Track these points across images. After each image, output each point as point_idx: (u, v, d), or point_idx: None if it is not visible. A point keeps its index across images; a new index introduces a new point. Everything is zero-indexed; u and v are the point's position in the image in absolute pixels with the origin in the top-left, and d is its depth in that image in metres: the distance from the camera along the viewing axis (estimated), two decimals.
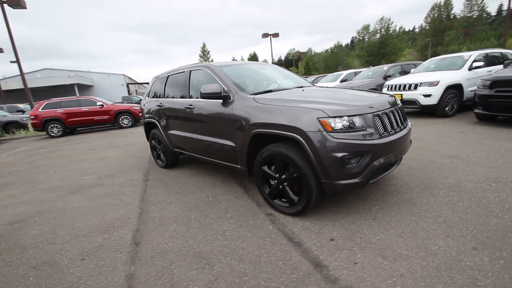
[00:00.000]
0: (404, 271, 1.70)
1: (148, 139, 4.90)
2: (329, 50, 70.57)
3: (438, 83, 6.29)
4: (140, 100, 23.60)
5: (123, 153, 6.19)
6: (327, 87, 3.48)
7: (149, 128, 4.72)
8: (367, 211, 2.49)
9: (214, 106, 3.08)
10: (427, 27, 48.40)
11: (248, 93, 2.85)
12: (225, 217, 2.64)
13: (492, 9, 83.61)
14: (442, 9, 44.51)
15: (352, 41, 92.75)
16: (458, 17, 44.06)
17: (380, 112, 2.27)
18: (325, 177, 2.16)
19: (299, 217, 2.47)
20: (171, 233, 2.44)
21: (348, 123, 2.12)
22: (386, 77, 9.28)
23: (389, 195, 2.75)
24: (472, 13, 41.43)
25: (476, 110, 5.45)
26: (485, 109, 5.20)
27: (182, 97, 3.71)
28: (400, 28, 55.21)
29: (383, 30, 51.52)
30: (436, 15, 45.24)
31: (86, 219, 2.90)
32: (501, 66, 6.60)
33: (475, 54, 6.78)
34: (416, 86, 6.59)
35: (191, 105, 3.43)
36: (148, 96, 4.74)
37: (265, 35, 22.68)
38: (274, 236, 2.22)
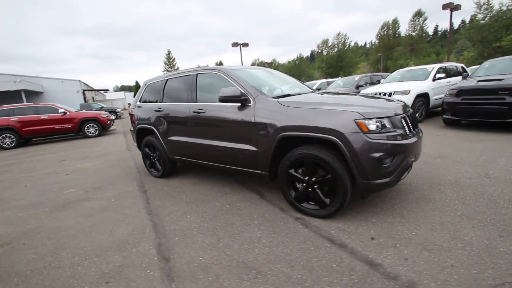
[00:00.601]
0: (453, 262, 1.80)
1: (139, 147, 4.54)
2: (291, 62, 73.66)
3: (409, 92, 6.94)
4: (102, 107, 21.91)
5: (102, 164, 5.64)
6: (337, 92, 3.60)
7: (142, 135, 4.38)
8: (391, 209, 2.60)
9: (229, 109, 2.99)
10: (377, 43, 53.47)
11: (269, 96, 2.83)
12: (253, 224, 2.54)
13: (430, 29, 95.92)
14: (390, 27, 49.79)
15: (311, 53, 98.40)
16: (403, 35, 49.67)
17: (404, 115, 2.42)
18: (361, 177, 2.21)
19: (330, 219, 2.48)
20: (201, 244, 2.26)
21: (381, 125, 2.22)
22: (358, 87, 9.97)
23: (404, 194, 2.92)
24: (416, 32, 47.08)
25: (445, 116, 6.12)
26: (453, 115, 5.87)
27: (187, 101, 3.53)
28: (355, 43, 60.08)
29: (340, 44, 55.60)
30: (385, 32, 50.31)
31: (91, 237, 2.55)
32: (457, 78, 7.55)
33: (436, 66, 7.66)
34: (390, 95, 7.19)
35: (201, 109, 3.28)
36: (139, 101, 4.42)
37: (235, 44, 22.91)
38: (314, 240, 2.20)
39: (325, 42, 59.07)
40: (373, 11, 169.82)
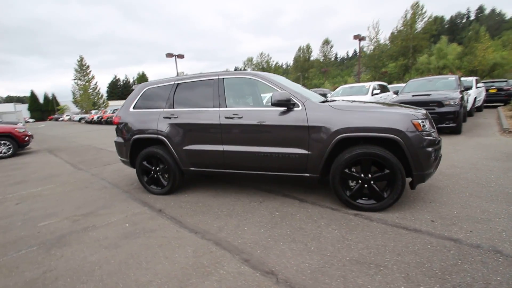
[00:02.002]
0: (501, 227, 2.29)
1: (131, 163, 3.85)
2: None
3: None
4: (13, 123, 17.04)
5: (60, 188, 4.47)
6: (360, 100, 3.93)
7: (138, 147, 3.75)
8: (419, 197, 3.06)
9: (273, 114, 2.97)
10: (294, 64, 60.46)
11: (316, 101, 2.96)
12: (321, 225, 2.56)
13: (342, 53, 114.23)
14: (305, 51, 57.19)
15: (235, 70, 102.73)
16: (313, 59, 57.74)
17: (429, 118, 2.95)
18: (417, 169, 2.57)
19: (384, 212, 2.73)
20: (292, 252, 2.15)
21: (426, 125, 2.66)
22: None
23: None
24: (324, 56, 55.67)
25: None
26: None
27: (212, 106, 3.28)
28: (276, 63, 66.15)
29: (264, 63, 60.21)
30: (301, 55, 57.42)
31: (147, 269, 2.06)
32: (387, 93, 9.34)
33: (372, 84, 9.30)
34: None
35: (236, 114, 3.11)
36: (133, 108, 3.81)
37: (170, 55, 21.83)
38: (390, 230, 2.39)
39: (250, 60, 62.92)
40: (287, 36, 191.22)
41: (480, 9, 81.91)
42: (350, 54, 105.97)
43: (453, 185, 3.36)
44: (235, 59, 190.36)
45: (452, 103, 6.38)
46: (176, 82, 3.57)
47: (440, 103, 6.44)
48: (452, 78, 7.80)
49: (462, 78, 10.08)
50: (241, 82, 3.27)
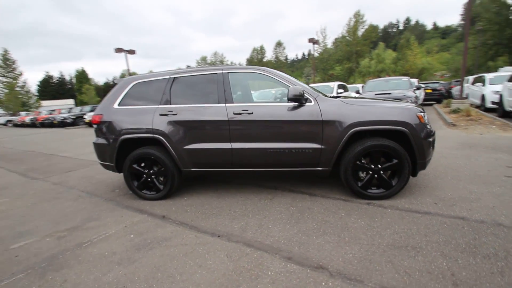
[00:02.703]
0: (493, 203, 2.65)
1: (117, 167, 3.39)
2: None
3: None
4: None
5: (24, 201, 3.70)
6: (361, 96, 4.14)
7: (126, 149, 3.32)
8: (413, 184, 3.36)
9: (284, 109, 2.94)
10: (248, 65, 61.18)
11: (327, 96, 3.01)
12: (343, 216, 2.62)
13: (292, 55, 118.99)
14: (259, 52, 58.26)
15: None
16: (266, 60, 59.21)
17: None
18: (421, 158, 2.82)
19: (392, 199, 2.93)
20: (330, 245, 2.15)
21: (425, 117, 2.93)
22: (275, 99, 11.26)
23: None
24: (278, 58, 57.56)
25: None
26: None
27: (217, 102, 3.09)
28: (231, 62, 65.89)
29: (218, 62, 59.41)
30: (256, 56, 58.32)
31: (184, 282, 1.83)
32: (348, 92, 10.06)
33: (336, 83, 9.92)
34: None
35: (245, 110, 2.98)
36: (118, 105, 3.36)
37: (119, 50, 19.90)
38: (406, 215, 2.57)
39: (204, 59, 61.48)
40: (239, 37, 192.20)
41: (407, 20, 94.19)
42: (300, 57, 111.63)
43: (434, 171, 3.78)
44: (188, 58, 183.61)
45: (410, 101, 7.17)
46: (172, 76, 3.27)
47: (400, 101, 7.19)
48: (405, 79, 8.80)
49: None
50: (246, 77, 3.15)
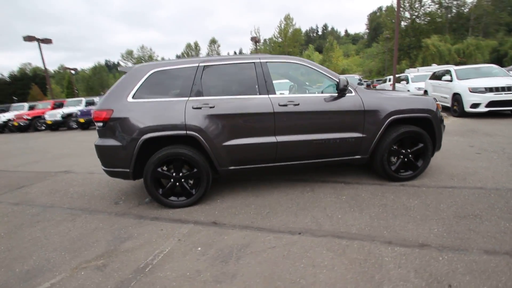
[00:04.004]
0: (480, 184, 3.28)
1: (134, 174, 2.78)
2: (90, 70, 62.04)
3: None
4: None
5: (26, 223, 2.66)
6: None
7: (147, 150, 2.75)
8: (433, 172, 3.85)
9: (329, 100, 2.96)
10: None
11: (362, 87, 3.16)
12: (395, 199, 2.80)
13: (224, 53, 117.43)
14: (193, 49, 56.15)
15: (106, 63, 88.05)
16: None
17: None
18: (439, 140, 3.25)
19: (418, 179, 3.28)
20: (411, 225, 2.28)
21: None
22: None
23: None
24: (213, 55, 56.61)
25: None
26: None
27: (256, 93, 2.87)
28: (162, 58, 61.46)
29: (147, 57, 54.71)
30: (189, 52, 56.02)
31: (314, 285, 1.67)
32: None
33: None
34: None
35: (291, 101, 2.86)
36: (132, 97, 2.76)
37: (30, 39, 15.95)
38: (444, 190, 2.92)
39: (130, 53, 55.63)
40: (166, 31, 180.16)
41: (325, 27, 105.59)
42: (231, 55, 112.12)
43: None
44: (107, 51, 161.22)
45: None
46: (202, 65, 2.87)
47: None
48: (356, 76, 9.91)
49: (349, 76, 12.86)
50: (284, 67, 3.03)
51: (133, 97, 2.77)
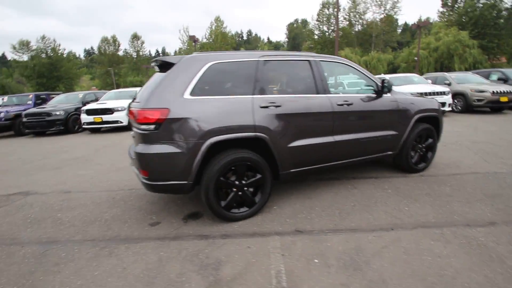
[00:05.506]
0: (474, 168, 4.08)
1: (195, 181, 2.30)
2: None
3: (125, 108, 8.89)
4: None
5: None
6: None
7: (210, 155, 2.32)
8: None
9: (369, 100, 3.14)
10: (99, 57, 50.92)
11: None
12: (428, 188, 3.17)
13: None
14: (111, 43, 49.38)
15: None
16: (121, 54, 51.40)
17: None
18: (440, 134, 3.85)
19: (429, 169, 3.79)
20: (467, 209, 2.65)
21: None
22: (84, 103, 10.37)
23: None
24: (138, 53, 51.18)
25: None
26: None
27: (314, 92, 2.80)
28: (70, 52, 51.84)
29: (48, 49, 45.52)
30: (106, 48, 49.11)
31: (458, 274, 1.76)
32: None
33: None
34: (113, 111, 8.92)
35: (346, 101, 2.89)
36: (190, 94, 2.28)
37: None
38: (461, 177, 3.45)
39: (25, 43, 45.01)
40: (71, 22, 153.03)
41: (250, 32, 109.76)
42: (153, 53, 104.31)
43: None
44: None
45: None
46: (262, 59, 2.61)
47: None
48: None
49: None
50: (332, 66, 3.03)
51: (190, 94, 2.30)
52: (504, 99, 8.51)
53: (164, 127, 2.21)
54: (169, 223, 2.60)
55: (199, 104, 2.31)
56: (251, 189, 2.63)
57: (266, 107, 2.52)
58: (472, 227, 2.30)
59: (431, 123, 3.71)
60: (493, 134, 5.94)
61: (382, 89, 3.11)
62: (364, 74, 3.25)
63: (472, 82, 9.70)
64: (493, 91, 8.53)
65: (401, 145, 3.45)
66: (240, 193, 2.53)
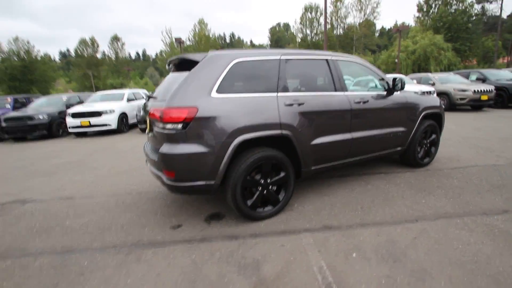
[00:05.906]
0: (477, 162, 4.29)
1: (220, 182, 2.24)
2: None
3: (114, 111, 8.81)
4: None
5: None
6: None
7: (238, 153, 2.27)
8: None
9: (381, 97, 3.22)
10: (76, 59, 48.84)
11: None
12: (437, 181, 3.30)
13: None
14: (89, 45, 47.53)
15: None
16: (100, 56, 49.57)
17: None
18: (440, 131, 4.02)
19: (433, 163, 3.94)
20: (485, 198, 2.77)
21: None
22: (68, 106, 9.95)
23: None
24: (118, 55, 49.59)
25: (140, 126, 8.57)
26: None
27: (332, 90, 2.83)
28: (45, 54, 49.28)
29: (24, 53, 43.13)
30: (84, 49, 47.23)
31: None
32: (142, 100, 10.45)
33: (127, 91, 10.28)
34: (100, 114, 8.63)
35: (362, 99, 2.95)
36: (217, 91, 2.22)
37: None
38: (468, 169, 3.62)
39: None
40: (45, 24, 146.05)
41: (232, 35, 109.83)
42: (133, 56, 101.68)
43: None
44: None
45: None
46: (284, 58, 2.60)
47: None
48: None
49: None
50: (347, 65, 3.07)
51: (217, 92, 2.25)
52: (484, 97, 9.05)
53: (192, 126, 2.13)
54: (192, 225, 2.51)
55: (226, 102, 2.26)
56: (274, 188, 2.61)
57: (291, 104, 2.51)
58: (489, 215, 2.41)
59: (434, 119, 3.87)
60: (480, 130, 6.28)
61: (394, 87, 3.20)
62: (376, 72, 3.33)
63: (455, 82, 10.24)
64: (475, 90, 9.05)
65: (410, 141, 3.56)
66: (265, 191, 2.50)
